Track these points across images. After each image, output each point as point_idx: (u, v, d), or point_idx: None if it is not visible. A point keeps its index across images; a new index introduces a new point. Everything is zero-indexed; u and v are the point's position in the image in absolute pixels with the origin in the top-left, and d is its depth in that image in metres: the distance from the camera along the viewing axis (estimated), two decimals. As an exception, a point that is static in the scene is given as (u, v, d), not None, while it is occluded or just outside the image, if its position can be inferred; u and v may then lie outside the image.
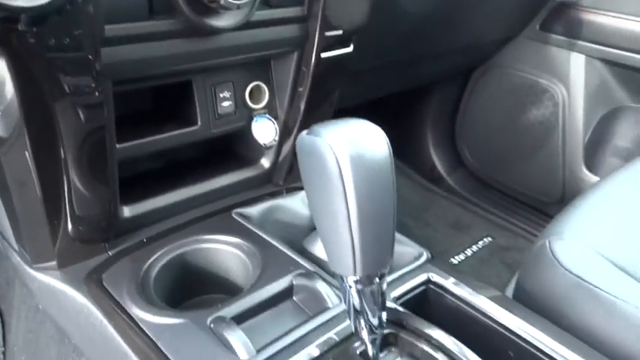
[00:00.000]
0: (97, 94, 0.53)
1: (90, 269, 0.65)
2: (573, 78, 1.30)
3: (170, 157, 0.77)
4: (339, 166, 0.41)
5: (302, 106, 0.76)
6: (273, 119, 0.75)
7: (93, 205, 0.64)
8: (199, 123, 0.69)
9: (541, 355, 0.54)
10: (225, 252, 0.68)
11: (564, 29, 1.28)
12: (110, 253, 0.67)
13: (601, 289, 0.60)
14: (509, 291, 0.73)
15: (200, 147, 0.77)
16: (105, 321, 0.60)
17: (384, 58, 1.03)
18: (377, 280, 0.46)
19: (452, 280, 0.62)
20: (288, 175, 0.85)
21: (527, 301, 0.65)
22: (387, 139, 0.43)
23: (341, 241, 0.43)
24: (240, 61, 0.69)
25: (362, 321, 0.48)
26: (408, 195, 1.60)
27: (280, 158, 0.82)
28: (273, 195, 0.80)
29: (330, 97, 0.79)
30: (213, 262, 0.68)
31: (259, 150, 0.79)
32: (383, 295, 0.47)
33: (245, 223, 0.72)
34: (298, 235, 0.74)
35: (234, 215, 0.73)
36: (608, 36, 1.22)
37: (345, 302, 0.48)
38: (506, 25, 1.33)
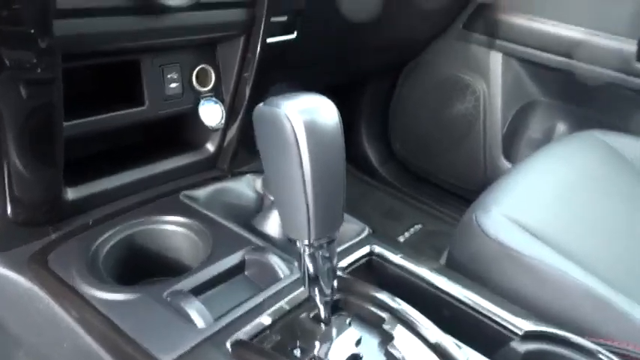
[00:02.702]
0: (44, 68, 0.53)
1: (33, 252, 0.63)
2: (492, 74, 1.42)
3: (116, 140, 0.76)
4: (294, 133, 0.44)
5: (247, 91, 0.78)
6: (220, 102, 0.77)
7: (35, 186, 0.62)
8: (147, 103, 0.70)
9: (472, 312, 0.60)
10: (175, 232, 0.69)
11: (484, 29, 1.39)
12: (54, 236, 0.66)
13: (521, 253, 0.68)
14: (442, 260, 0.80)
15: (146, 130, 0.77)
16: (52, 302, 0.59)
17: (323, 50, 1.07)
18: (328, 244, 0.50)
19: (392, 250, 0.67)
20: (232, 159, 0.86)
21: (457, 268, 0.72)
22: (337, 110, 0.47)
23: (297, 205, 0.46)
24: (187, 43, 0.70)
25: (315, 286, 0.51)
26: (344, 186, 1.66)
27: (225, 143, 0.83)
28: (219, 179, 0.81)
29: (275, 84, 0.82)
30: (164, 243, 0.69)
31: (205, 133, 0.81)
32: (334, 258, 0.51)
33: (193, 205, 0.73)
34: (246, 216, 0.76)
35: (182, 198, 0.74)
36: (522, 36, 1.34)
37: (300, 268, 0.51)
38: (432, 24, 1.42)
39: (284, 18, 0.74)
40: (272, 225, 0.71)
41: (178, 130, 0.81)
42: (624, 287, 0.62)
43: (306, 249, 0.49)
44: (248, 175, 0.83)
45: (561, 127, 1.40)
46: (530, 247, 0.68)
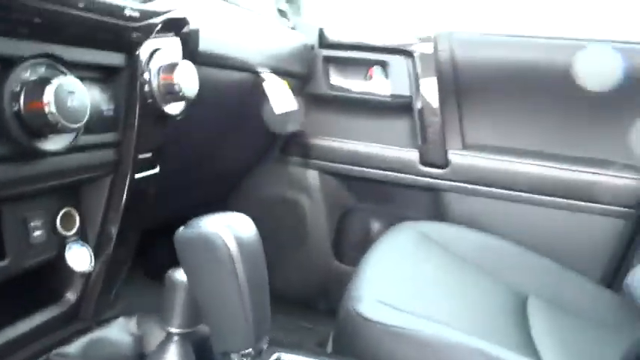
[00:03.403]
0: None
1: None
2: (312, 190, 1.61)
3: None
4: (228, 248, 0.47)
5: (114, 232, 0.76)
6: (86, 245, 0.73)
7: None
8: (9, 257, 0.62)
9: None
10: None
11: (299, 151, 1.60)
12: None
13: (403, 328, 0.77)
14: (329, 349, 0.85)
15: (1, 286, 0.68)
16: None
17: (180, 182, 1.10)
18: (259, 353, 0.52)
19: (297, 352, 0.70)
20: (97, 306, 0.80)
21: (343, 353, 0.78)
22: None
23: (235, 315, 0.48)
24: (53, 188, 0.67)
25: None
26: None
27: (89, 288, 0.77)
28: (90, 329, 0.74)
29: (140, 221, 0.81)
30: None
31: (69, 280, 0.74)
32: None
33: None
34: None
35: (53, 358, 0.65)
36: (331, 154, 1.58)
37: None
38: (254, 151, 1.57)
39: (149, 154, 0.77)
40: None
41: (40, 279, 0.73)
42: (488, 336, 0.76)
43: (246, 358, 0.50)
44: (120, 320, 0.78)
45: (376, 225, 1.63)
46: (409, 322, 0.78)
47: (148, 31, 0.71)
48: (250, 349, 0.49)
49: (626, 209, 1.32)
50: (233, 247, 0.47)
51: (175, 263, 0.52)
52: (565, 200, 1.37)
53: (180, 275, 0.59)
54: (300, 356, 0.69)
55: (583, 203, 1.35)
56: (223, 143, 1.31)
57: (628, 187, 1.32)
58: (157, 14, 0.71)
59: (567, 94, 1.37)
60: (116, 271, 0.80)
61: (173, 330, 0.61)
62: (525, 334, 0.90)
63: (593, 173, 1.35)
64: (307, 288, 1.62)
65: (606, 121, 1.37)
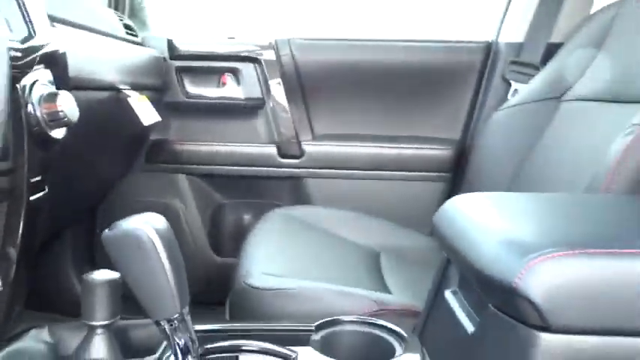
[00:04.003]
0: None
1: None
2: (183, 192, 1.72)
3: None
4: (151, 240, 0.60)
5: (14, 253, 0.81)
6: (-10, 269, 0.78)
7: None
8: None
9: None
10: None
11: (164, 158, 1.69)
12: None
13: (289, 288, 0.96)
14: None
15: None
16: None
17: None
18: (186, 315, 0.66)
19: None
20: (3, 326, 0.84)
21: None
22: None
23: (163, 291, 0.62)
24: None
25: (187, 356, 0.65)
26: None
27: (-6, 308, 0.82)
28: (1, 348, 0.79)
29: (36, 239, 0.87)
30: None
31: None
32: (192, 329, 0.67)
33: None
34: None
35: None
36: (195, 157, 1.70)
37: (171, 346, 0.64)
38: (120, 163, 1.62)
39: (39, 177, 0.83)
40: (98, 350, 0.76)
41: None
42: (350, 284, 1.00)
43: (175, 322, 0.63)
44: (32, 332, 0.84)
45: (247, 217, 1.79)
46: (287, 283, 0.98)
47: (28, 67, 0.78)
48: (177, 314, 0.63)
49: (443, 173, 1.68)
50: (155, 238, 0.60)
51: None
52: (397, 172, 1.68)
53: (96, 275, 0.70)
54: (207, 325, 0.83)
55: (410, 173, 1.68)
56: (97, 157, 1.36)
57: (443, 156, 1.67)
58: (35, 50, 0.78)
59: (388, 87, 1.69)
60: (19, 291, 0.85)
61: (95, 323, 0.71)
62: (379, 279, 1.15)
63: (416, 148, 1.68)
64: (192, 286, 1.72)
65: (421, 105, 1.71)
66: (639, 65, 1.14)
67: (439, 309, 0.77)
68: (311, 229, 1.40)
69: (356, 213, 1.54)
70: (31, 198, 0.82)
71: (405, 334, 0.74)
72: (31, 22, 0.78)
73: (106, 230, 0.61)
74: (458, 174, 1.64)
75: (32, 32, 0.79)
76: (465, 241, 0.64)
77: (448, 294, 0.75)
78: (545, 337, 0.52)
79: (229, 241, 1.76)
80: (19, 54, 0.73)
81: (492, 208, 0.70)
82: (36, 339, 0.84)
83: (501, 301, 0.56)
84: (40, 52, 0.80)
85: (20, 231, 0.81)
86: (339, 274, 1.07)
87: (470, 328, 0.64)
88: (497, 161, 1.48)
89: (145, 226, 0.61)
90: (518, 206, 0.73)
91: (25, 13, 0.78)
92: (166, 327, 0.63)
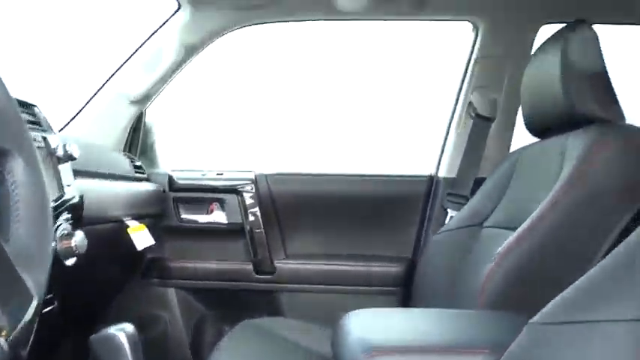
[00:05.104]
0: None
1: None
2: (172, 304, 1.98)
3: None
4: (122, 343, 0.87)
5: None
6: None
7: None
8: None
9: None
10: None
11: (157, 274, 1.98)
12: None
13: None
14: None
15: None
16: None
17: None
18: None
19: None
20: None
21: None
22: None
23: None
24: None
25: None
26: None
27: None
28: None
29: (48, 349, 1.14)
30: None
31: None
32: None
33: None
34: None
35: None
36: (185, 273, 1.99)
37: None
38: (118, 280, 1.91)
39: (51, 295, 1.12)
40: None
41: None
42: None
43: None
44: None
45: (225, 327, 2.02)
46: None
47: (56, 217, 1.11)
48: None
49: (394, 288, 1.93)
50: (125, 343, 0.87)
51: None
52: (358, 287, 1.95)
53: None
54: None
55: (368, 288, 1.94)
56: (99, 275, 1.65)
57: (392, 272, 1.94)
58: (63, 204, 1.12)
59: (350, 213, 2.02)
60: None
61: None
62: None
63: (374, 265, 1.96)
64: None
65: (377, 228, 2.02)
66: (526, 200, 1.45)
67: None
68: (275, 340, 1.63)
69: (320, 324, 1.78)
70: (43, 311, 1.11)
71: None
72: (62, 186, 1.12)
73: (93, 335, 0.88)
74: (407, 287, 1.89)
75: (63, 192, 1.13)
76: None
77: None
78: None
79: (208, 349, 1.97)
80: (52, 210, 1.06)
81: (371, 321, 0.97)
82: None
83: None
84: (66, 205, 1.14)
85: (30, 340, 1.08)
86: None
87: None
88: (438, 278, 1.74)
89: (119, 333, 0.89)
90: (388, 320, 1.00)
91: (58, 180, 1.12)
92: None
